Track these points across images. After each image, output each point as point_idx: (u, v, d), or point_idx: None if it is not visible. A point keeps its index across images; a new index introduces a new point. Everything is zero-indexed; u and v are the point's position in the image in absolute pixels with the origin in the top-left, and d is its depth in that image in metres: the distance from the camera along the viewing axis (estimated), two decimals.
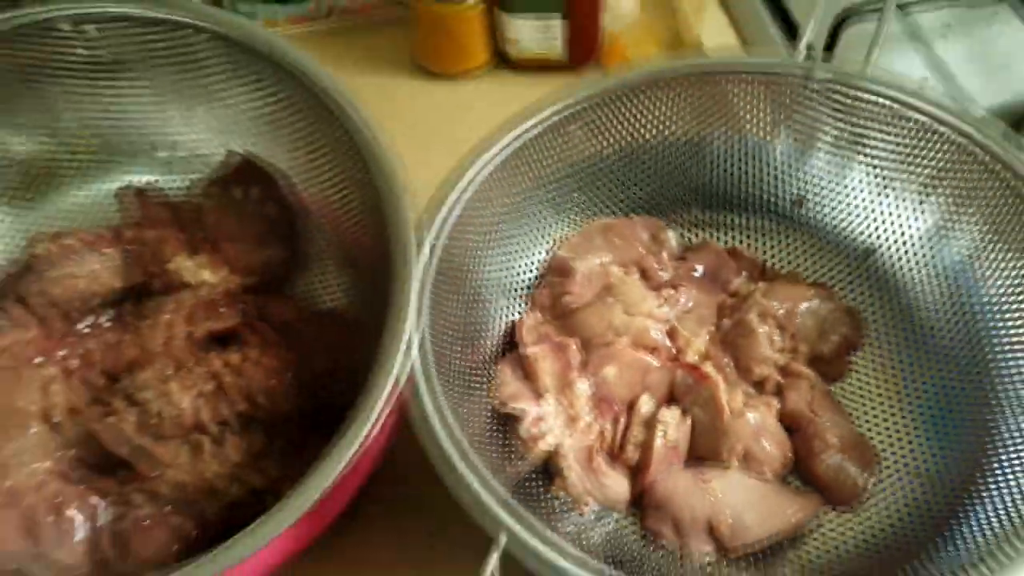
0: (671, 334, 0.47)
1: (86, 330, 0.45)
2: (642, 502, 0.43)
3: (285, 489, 0.40)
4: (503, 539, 0.33)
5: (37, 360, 0.42)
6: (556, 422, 0.44)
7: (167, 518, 0.39)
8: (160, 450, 0.40)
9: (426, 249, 0.41)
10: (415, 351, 0.38)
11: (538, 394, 0.45)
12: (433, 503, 0.47)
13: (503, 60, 0.67)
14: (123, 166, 0.50)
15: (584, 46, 0.66)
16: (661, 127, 0.49)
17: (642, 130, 0.48)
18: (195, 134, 0.49)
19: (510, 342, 0.48)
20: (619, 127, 0.48)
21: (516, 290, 0.50)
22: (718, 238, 0.51)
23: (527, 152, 0.46)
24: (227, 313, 0.45)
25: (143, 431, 0.40)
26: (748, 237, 0.51)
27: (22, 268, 0.44)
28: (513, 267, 0.49)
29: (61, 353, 0.43)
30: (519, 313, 0.49)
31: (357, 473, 0.40)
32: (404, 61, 0.68)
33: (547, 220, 0.50)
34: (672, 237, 0.50)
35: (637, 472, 0.43)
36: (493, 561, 0.33)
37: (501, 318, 0.48)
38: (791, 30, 0.63)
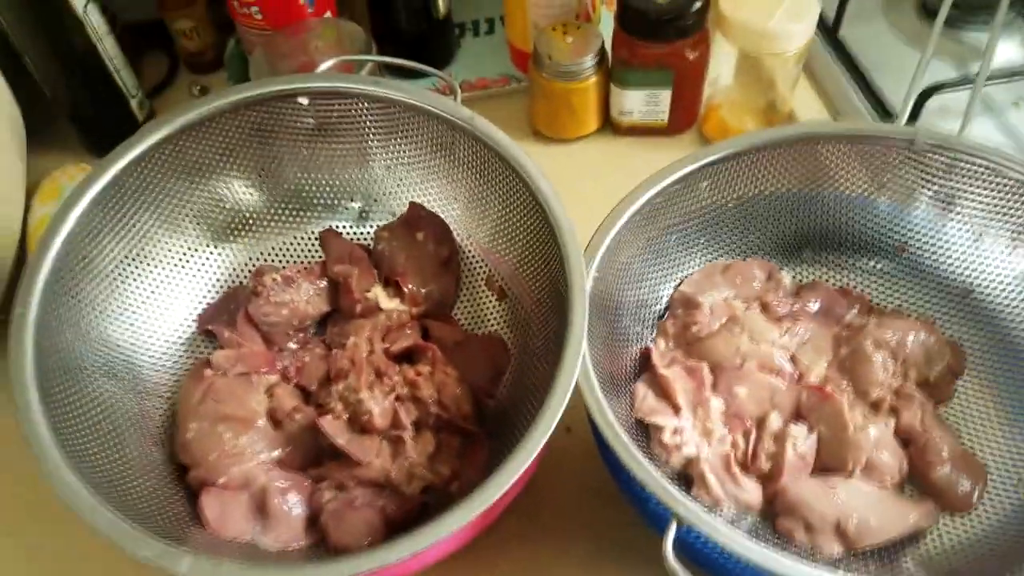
0: (792, 360, 0.53)
1: (294, 346, 0.53)
2: (773, 507, 0.48)
3: (461, 479, 0.47)
4: (681, 512, 0.39)
5: (263, 369, 0.50)
6: (693, 434, 0.50)
7: (374, 500, 0.46)
8: (368, 443, 0.47)
9: (589, 281, 0.48)
10: (588, 361, 0.45)
11: (675, 410, 0.51)
12: (567, 496, 0.54)
13: (609, 125, 0.75)
14: (325, 213, 0.58)
15: (686, 115, 0.73)
16: (777, 182, 0.55)
17: (760, 184, 0.55)
18: (386, 188, 0.58)
19: (643, 364, 0.54)
20: (740, 182, 0.55)
21: (647, 319, 0.56)
22: (827, 278, 0.57)
23: (660, 203, 0.52)
24: (411, 334, 0.52)
25: (354, 426, 0.48)
26: (855, 277, 0.57)
27: (248, 293, 0.53)
28: (645, 299, 0.56)
29: (281, 364, 0.51)
30: (650, 340, 0.56)
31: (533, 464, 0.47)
32: (521, 127, 0.76)
33: (674, 260, 0.57)
34: (786, 277, 0.57)
35: (767, 480, 0.49)
36: (673, 532, 0.39)
37: (636, 342, 0.55)
38: (876, 102, 0.70)
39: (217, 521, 0.45)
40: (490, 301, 0.57)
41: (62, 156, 0.72)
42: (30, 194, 0.68)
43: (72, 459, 0.40)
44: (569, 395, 0.42)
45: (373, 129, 0.55)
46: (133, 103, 0.75)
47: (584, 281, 0.46)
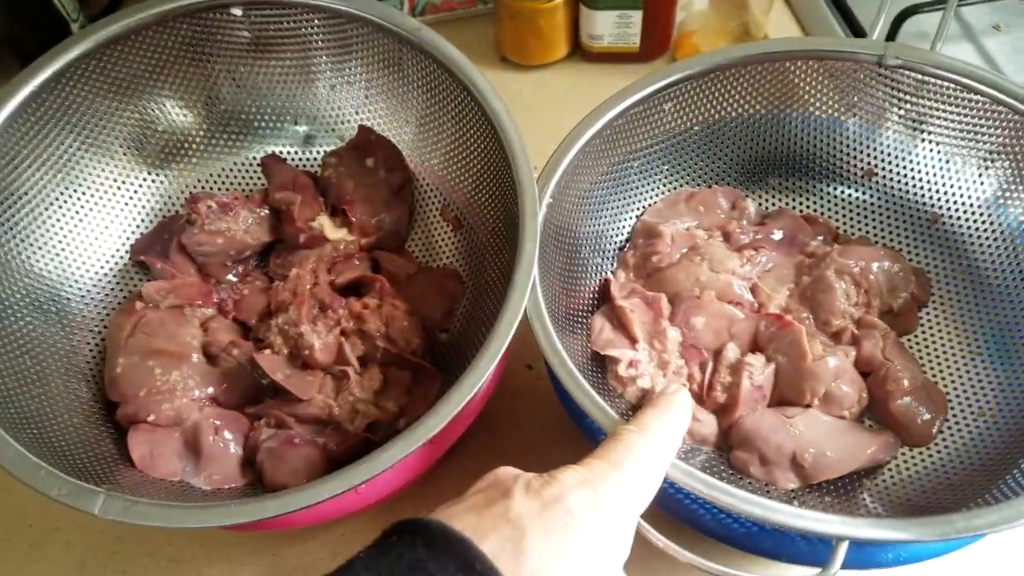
0: (753, 291, 0.51)
1: (233, 278, 0.51)
2: (729, 439, 0.47)
3: (409, 415, 0.45)
4: None
5: (197, 302, 0.48)
6: (649, 366, 0.49)
7: (315, 437, 0.44)
8: (310, 378, 0.45)
9: (543, 208, 0.46)
10: (538, 291, 0.43)
11: (631, 342, 0.49)
12: (529, 435, 0.53)
13: (579, 51, 0.72)
14: (267, 137, 0.55)
15: (658, 40, 0.70)
16: (744, 104, 0.53)
17: (726, 106, 0.53)
18: (332, 110, 0.55)
19: (602, 297, 0.52)
20: (706, 104, 0.52)
21: (607, 251, 0.54)
22: (793, 206, 0.55)
23: (621, 126, 0.50)
24: (360, 265, 0.50)
25: (294, 362, 0.46)
26: (822, 205, 0.55)
27: (182, 222, 0.50)
28: (605, 230, 0.54)
29: (218, 297, 0.49)
30: (610, 272, 0.54)
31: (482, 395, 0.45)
32: (489, 53, 0.73)
33: (636, 189, 0.55)
34: (751, 205, 0.54)
35: (723, 413, 0.47)
36: None
37: (595, 274, 0.53)
38: (852, 26, 0.67)
39: (144, 460, 0.43)
40: (445, 232, 0.55)
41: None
42: None
43: None
44: (518, 321, 0.40)
45: (315, 43, 0.51)
46: (74, 28, 0.71)
47: (536, 204, 0.44)
